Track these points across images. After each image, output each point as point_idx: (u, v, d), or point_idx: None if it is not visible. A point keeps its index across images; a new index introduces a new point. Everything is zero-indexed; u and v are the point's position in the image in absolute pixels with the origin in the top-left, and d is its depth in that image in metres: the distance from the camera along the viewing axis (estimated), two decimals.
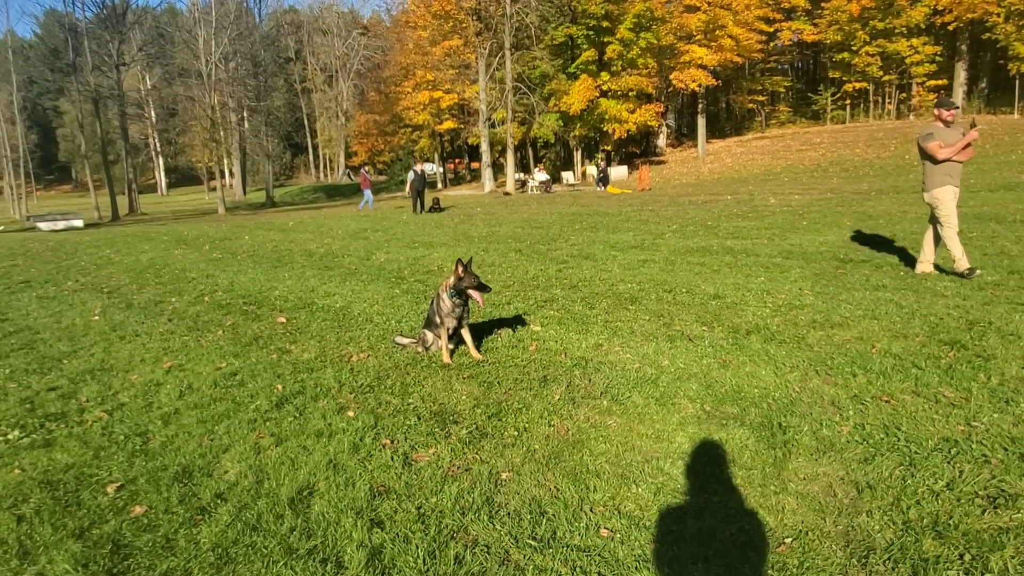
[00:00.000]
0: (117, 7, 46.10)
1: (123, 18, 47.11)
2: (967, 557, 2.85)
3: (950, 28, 43.73)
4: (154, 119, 69.54)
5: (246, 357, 6.30)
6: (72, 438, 4.57)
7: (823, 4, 48.67)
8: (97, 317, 8.50)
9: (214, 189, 55.07)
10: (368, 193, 31.95)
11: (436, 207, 26.25)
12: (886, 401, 4.42)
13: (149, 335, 7.39)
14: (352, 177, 74.01)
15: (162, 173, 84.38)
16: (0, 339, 7.55)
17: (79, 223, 33.70)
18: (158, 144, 78.71)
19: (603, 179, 35.93)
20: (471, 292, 5.74)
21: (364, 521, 3.35)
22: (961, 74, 45.29)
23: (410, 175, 28.24)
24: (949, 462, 3.60)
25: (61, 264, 14.37)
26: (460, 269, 5.73)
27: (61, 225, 33.00)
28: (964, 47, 45.16)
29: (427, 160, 64.74)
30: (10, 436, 4.65)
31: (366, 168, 36.06)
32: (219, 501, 3.63)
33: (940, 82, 46.96)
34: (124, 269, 12.99)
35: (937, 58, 46.03)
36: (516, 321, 7.05)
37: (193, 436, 4.50)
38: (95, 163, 56.23)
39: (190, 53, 47.01)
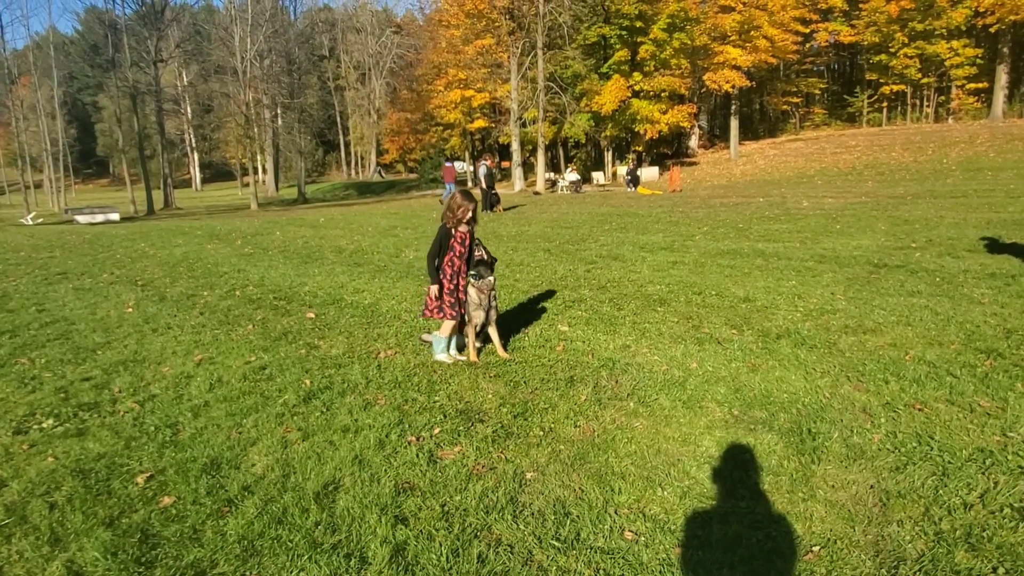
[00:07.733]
0: (156, 4, 46.93)
1: (161, 15, 47.90)
2: (1001, 571, 2.79)
3: (991, 30, 42.65)
4: (190, 115, 70.45)
5: (275, 352, 6.37)
6: (104, 428, 4.65)
7: (861, 5, 47.76)
8: (131, 309, 8.64)
9: (247, 185, 55.74)
10: (451, 187, 31.54)
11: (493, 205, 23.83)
12: (919, 409, 4.34)
13: (181, 328, 7.50)
14: (383, 175, 74.44)
15: (197, 168, 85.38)
16: (37, 329, 7.70)
17: (115, 216, 34.25)
18: (193, 140, 79.69)
19: (633, 180, 35.70)
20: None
21: (388, 517, 3.36)
22: (1002, 77, 44.14)
23: (481, 170, 24.43)
24: (983, 473, 3.52)
25: (97, 256, 14.63)
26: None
27: (98, 218, 33.56)
28: (1006, 49, 43.96)
29: (457, 158, 64.84)
30: (44, 424, 4.74)
31: (450, 162, 34.00)
32: (246, 493, 3.67)
33: (980, 85, 45.93)
34: (158, 262, 13.20)
35: (978, 61, 44.96)
36: (543, 321, 7.04)
37: (222, 429, 4.55)
38: (132, 158, 57.25)
39: (226, 50, 47.51)
